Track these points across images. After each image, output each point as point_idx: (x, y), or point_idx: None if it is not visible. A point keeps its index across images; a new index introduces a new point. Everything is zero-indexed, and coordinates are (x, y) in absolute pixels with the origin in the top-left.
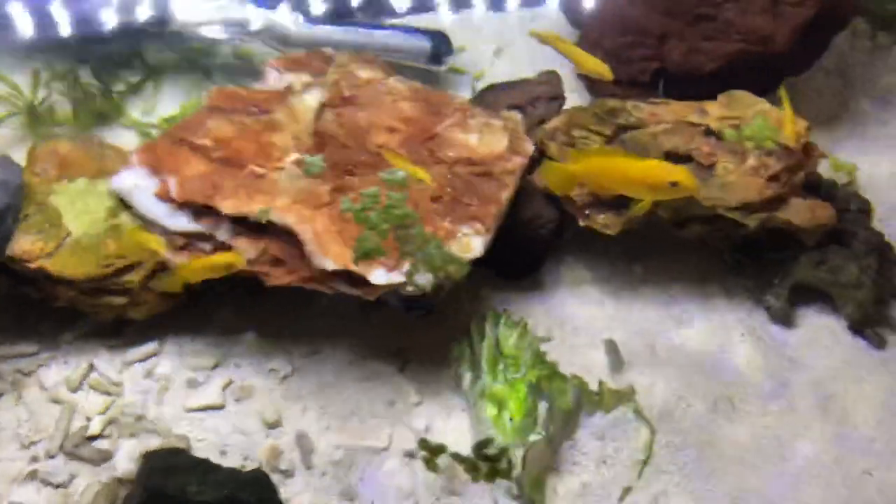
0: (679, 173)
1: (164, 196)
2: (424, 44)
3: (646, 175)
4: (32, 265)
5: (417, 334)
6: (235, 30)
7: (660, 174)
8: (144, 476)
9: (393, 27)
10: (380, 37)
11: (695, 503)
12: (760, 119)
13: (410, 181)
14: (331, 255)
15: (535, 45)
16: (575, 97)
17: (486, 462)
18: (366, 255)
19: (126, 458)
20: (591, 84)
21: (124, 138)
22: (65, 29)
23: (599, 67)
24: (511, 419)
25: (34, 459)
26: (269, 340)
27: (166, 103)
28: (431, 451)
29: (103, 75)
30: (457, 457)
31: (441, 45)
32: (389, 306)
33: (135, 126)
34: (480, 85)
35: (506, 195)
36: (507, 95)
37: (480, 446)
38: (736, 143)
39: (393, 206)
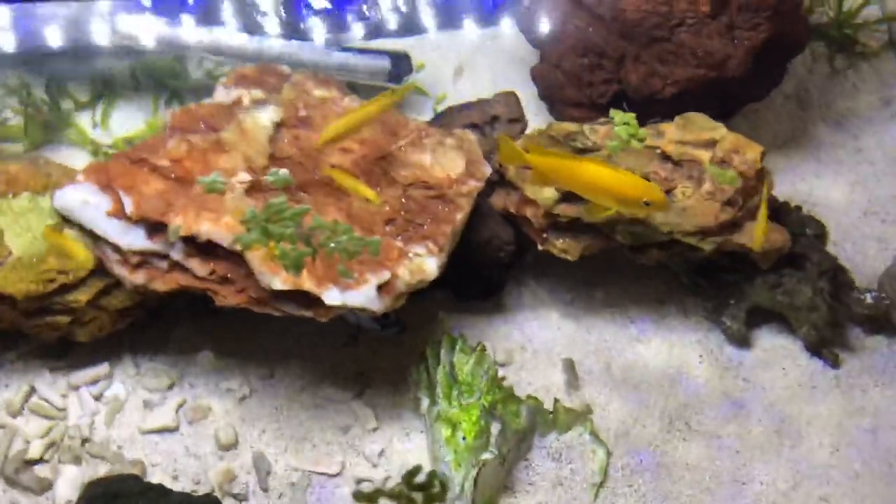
0: (655, 192)
1: (117, 214)
2: (384, 63)
3: (620, 187)
4: None
5: (377, 357)
6: (171, 44)
7: (635, 190)
8: (85, 500)
9: (351, 48)
10: (338, 56)
11: None
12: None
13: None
14: (279, 276)
15: (497, 65)
16: (538, 119)
17: (418, 491)
18: (296, 268)
19: (67, 485)
20: (553, 106)
21: (76, 157)
22: (15, 44)
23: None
24: (464, 439)
25: None
26: (226, 360)
27: (122, 121)
28: (368, 499)
29: (56, 91)
30: (391, 495)
31: (401, 63)
32: (362, 328)
33: (88, 144)
34: (443, 107)
35: (460, 216)
36: (465, 116)
37: (410, 476)
38: (692, 168)
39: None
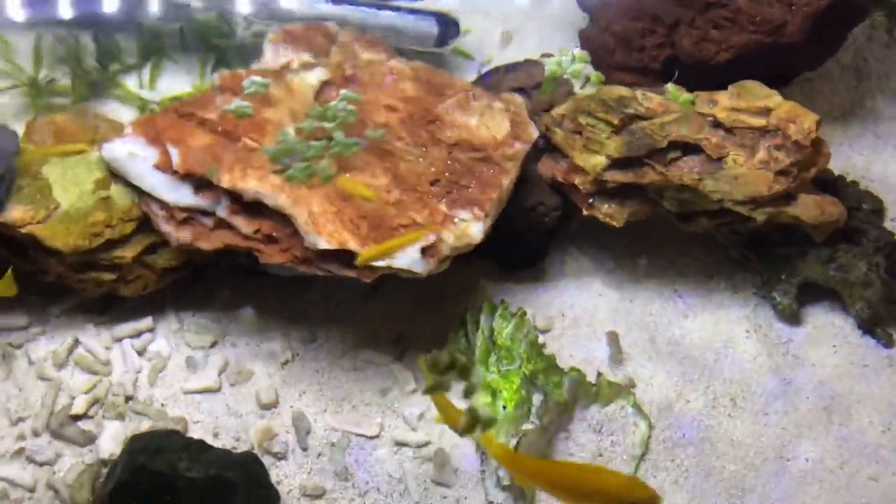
0: (643, 490)
1: (164, 167)
2: (431, 26)
3: (605, 488)
4: (23, 230)
5: (416, 322)
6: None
7: (620, 489)
8: (128, 453)
9: (399, 8)
10: (385, 17)
11: (692, 501)
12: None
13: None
14: (325, 234)
15: (545, 30)
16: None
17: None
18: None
19: (110, 440)
20: (600, 70)
21: (123, 113)
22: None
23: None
24: (504, 407)
25: (21, 437)
26: (268, 322)
27: (169, 83)
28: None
29: (105, 51)
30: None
31: (448, 27)
32: None
33: (134, 101)
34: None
35: (507, 181)
36: (511, 78)
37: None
38: (745, 136)
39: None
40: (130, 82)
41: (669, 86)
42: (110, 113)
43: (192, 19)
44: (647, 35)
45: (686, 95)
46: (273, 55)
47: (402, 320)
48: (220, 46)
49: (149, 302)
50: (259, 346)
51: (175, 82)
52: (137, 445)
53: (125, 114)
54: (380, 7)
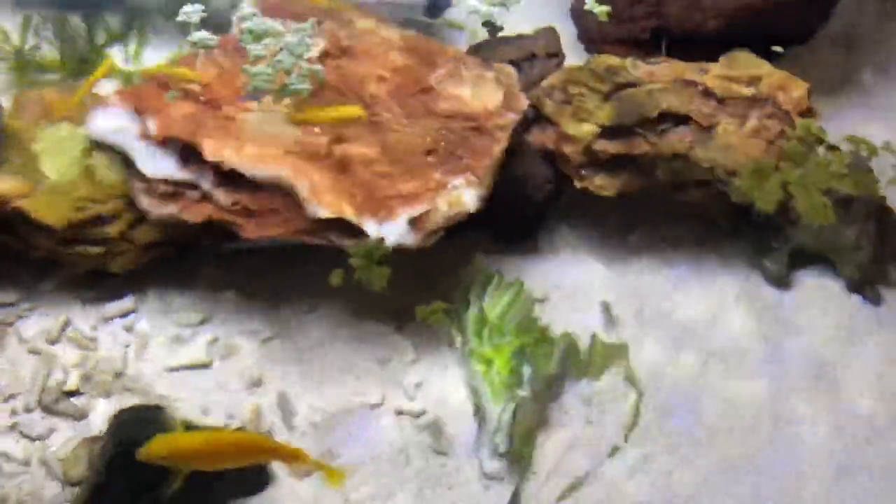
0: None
1: (147, 136)
2: None
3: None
4: (10, 206)
5: (416, 294)
6: None
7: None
8: (116, 425)
9: None
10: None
11: (684, 467)
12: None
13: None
14: (324, 204)
15: (532, 4)
16: (574, 58)
17: None
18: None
19: (100, 416)
20: (591, 43)
21: (108, 88)
22: None
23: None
24: (498, 374)
25: (14, 412)
26: (255, 299)
27: (154, 55)
28: None
29: (90, 23)
30: None
31: None
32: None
33: (118, 74)
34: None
35: (497, 148)
36: (502, 51)
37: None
38: (736, 105)
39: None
40: (116, 58)
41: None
42: (96, 89)
43: None
44: (635, 4)
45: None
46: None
47: (400, 292)
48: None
49: (135, 280)
50: (243, 324)
51: (159, 54)
52: (125, 418)
53: (111, 89)
54: None
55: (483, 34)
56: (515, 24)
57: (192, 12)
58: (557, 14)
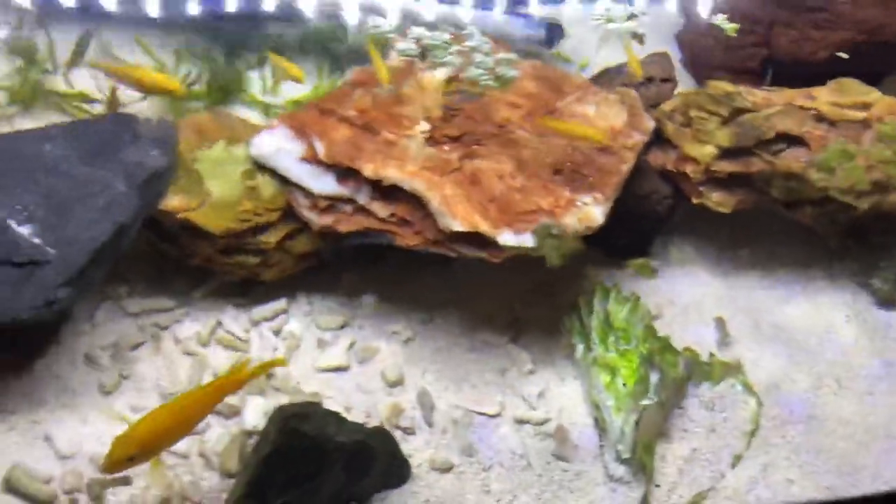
0: None
1: (311, 158)
2: (539, 29)
3: None
4: (180, 216)
5: (529, 307)
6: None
7: None
8: (280, 419)
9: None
10: (497, 20)
11: (803, 476)
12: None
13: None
14: (458, 217)
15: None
16: (680, 84)
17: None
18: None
19: (254, 413)
20: (697, 69)
21: (249, 116)
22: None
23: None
24: (624, 385)
25: None
26: (389, 305)
27: (290, 86)
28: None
29: (233, 56)
30: None
31: (553, 31)
32: None
33: (258, 105)
34: (586, 73)
35: (625, 168)
36: (620, 77)
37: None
38: (848, 128)
39: None
40: (254, 87)
41: None
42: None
43: (309, 27)
44: (745, 35)
45: None
46: (398, 55)
47: (515, 304)
48: (334, 52)
49: (282, 287)
50: (382, 328)
51: (294, 85)
52: (288, 412)
53: (250, 117)
54: (492, 11)
55: (589, 66)
56: (619, 56)
57: (406, 49)
58: (660, 41)
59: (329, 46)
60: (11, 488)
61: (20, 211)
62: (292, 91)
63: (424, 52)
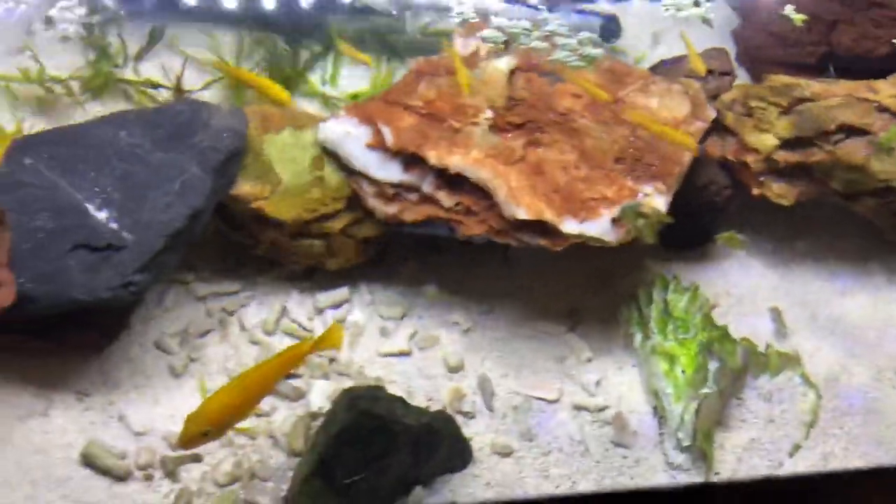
0: None
1: (377, 145)
2: (595, 23)
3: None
4: (252, 205)
5: (587, 297)
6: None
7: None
8: (349, 400)
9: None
10: (554, 15)
11: (864, 466)
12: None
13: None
14: (523, 206)
15: (691, 31)
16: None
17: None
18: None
19: (318, 395)
20: (753, 65)
21: (309, 107)
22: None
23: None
24: (683, 372)
25: None
26: (449, 296)
27: (348, 78)
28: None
29: (294, 47)
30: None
31: (611, 24)
32: None
33: (318, 95)
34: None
35: (688, 157)
36: (679, 69)
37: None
38: None
39: None
40: (314, 78)
41: None
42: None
43: (369, 20)
44: (805, 31)
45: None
46: (462, 43)
47: (572, 294)
48: (393, 44)
49: (344, 277)
50: (442, 317)
51: (352, 78)
52: (356, 394)
53: (310, 107)
54: (550, 7)
55: (644, 60)
56: (676, 47)
57: (492, 37)
58: (715, 37)
59: (387, 39)
60: (89, 462)
61: (97, 195)
62: (351, 84)
63: (508, 41)
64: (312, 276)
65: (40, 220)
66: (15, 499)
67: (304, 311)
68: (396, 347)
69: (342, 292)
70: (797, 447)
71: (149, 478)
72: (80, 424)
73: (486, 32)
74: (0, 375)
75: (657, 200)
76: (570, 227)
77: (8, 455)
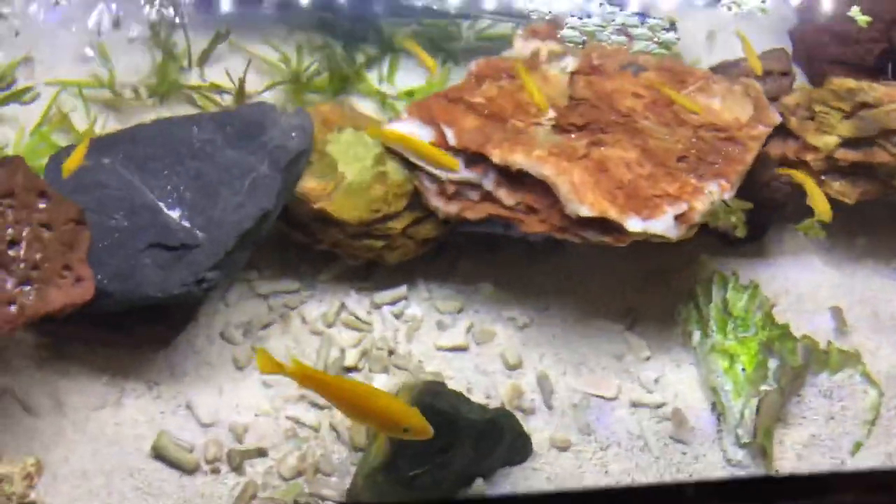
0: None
1: (440, 144)
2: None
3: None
4: (315, 206)
5: (643, 295)
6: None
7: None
8: (413, 394)
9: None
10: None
11: None
12: None
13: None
14: (587, 203)
15: (750, 28)
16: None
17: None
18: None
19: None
20: (811, 64)
21: (366, 106)
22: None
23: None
24: (743, 370)
25: None
26: (505, 292)
27: (403, 78)
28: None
29: (351, 48)
30: None
31: (667, 28)
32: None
33: (375, 94)
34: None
35: (750, 157)
36: (738, 70)
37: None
38: None
39: None
40: (370, 76)
41: None
42: (356, 105)
43: (425, 21)
44: (864, 30)
45: None
46: (522, 46)
47: (629, 292)
48: (448, 48)
49: (402, 273)
50: (499, 313)
51: (407, 78)
52: (420, 388)
53: (367, 106)
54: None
55: (700, 62)
56: (732, 49)
57: (571, 36)
58: (774, 37)
59: (442, 43)
60: (159, 455)
61: (170, 193)
62: (407, 82)
63: (586, 40)
64: (370, 273)
65: (116, 219)
66: (90, 488)
67: (362, 306)
68: (454, 341)
69: (399, 290)
70: (859, 445)
71: (216, 471)
72: (149, 414)
73: (565, 32)
74: (74, 367)
75: (720, 197)
76: (634, 224)
77: (84, 445)
